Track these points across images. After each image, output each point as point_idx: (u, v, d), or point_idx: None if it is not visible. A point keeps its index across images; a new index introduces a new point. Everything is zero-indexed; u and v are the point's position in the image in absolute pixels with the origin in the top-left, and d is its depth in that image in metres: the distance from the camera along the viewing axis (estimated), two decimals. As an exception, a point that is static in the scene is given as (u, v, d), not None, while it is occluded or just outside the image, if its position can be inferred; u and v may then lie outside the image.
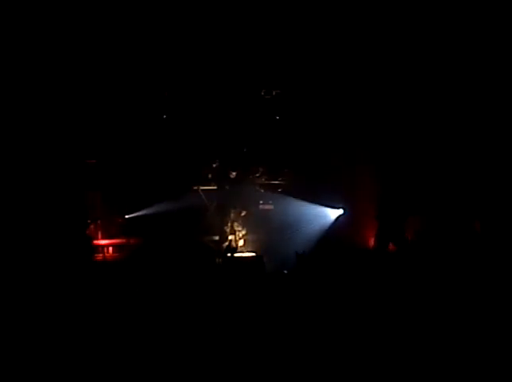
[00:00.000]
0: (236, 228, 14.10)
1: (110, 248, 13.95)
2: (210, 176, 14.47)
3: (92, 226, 13.67)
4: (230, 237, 14.01)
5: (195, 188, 14.43)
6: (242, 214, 14.21)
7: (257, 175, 14.64)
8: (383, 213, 13.23)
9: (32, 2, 11.02)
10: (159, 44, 12.09)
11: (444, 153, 12.67)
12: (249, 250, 13.64)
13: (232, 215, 14.16)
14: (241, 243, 13.98)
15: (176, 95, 12.97)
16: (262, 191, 14.53)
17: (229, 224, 14.12)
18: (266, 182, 14.64)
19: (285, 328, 7.95)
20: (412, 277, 9.33)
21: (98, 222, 13.77)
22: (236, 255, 13.09)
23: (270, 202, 14.45)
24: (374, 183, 13.77)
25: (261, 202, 14.47)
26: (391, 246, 12.60)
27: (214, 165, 14.41)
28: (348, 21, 11.47)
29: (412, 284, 8.84)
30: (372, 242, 13.48)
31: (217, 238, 14.04)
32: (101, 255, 13.50)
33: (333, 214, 14.46)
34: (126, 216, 14.16)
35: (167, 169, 13.82)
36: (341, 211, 14.49)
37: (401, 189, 13.35)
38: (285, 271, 9.11)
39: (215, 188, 14.45)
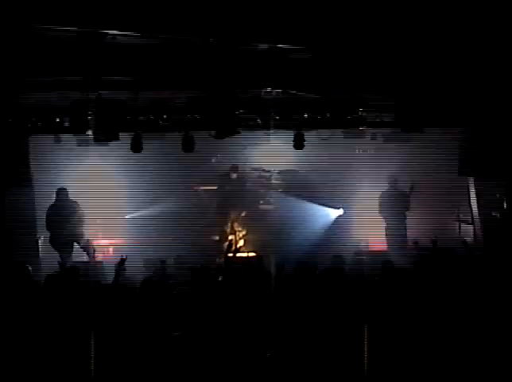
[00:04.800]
0: (236, 228, 14.09)
1: (110, 248, 13.95)
2: (210, 175, 14.44)
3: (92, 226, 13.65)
4: (230, 237, 13.99)
5: (195, 188, 14.42)
6: (242, 214, 14.20)
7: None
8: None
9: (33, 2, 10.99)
10: (159, 45, 12.05)
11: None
12: (249, 250, 13.62)
13: (232, 215, 14.14)
14: (241, 243, 13.97)
15: (177, 95, 12.91)
16: (262, 191, 14.53)
17: (229, 224, 14.10)
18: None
19: (284, 328, 7.94)
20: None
21: (99, 222, 13.76)
22: (236, 255, 13.06)
23: (270, 202, 14.44)
24: None
25: (261, 202, 14.47)
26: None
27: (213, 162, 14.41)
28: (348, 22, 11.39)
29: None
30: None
31: (217, 238, 14.03)
32: (101, 255, 13.48)
33: (333, 214, 14.47)
34: (126, 216, 14.16)
35: (167, 169, 13.82)
36: (341, 211, 14.50)
37: None
38: (283, 275, 9.03)
39: (215, 188, 14.43)
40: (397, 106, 11.68)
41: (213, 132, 11.53)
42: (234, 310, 8.04)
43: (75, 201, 12.68)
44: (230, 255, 11.59)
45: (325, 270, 8.94)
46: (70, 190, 12.75)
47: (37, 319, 7.91)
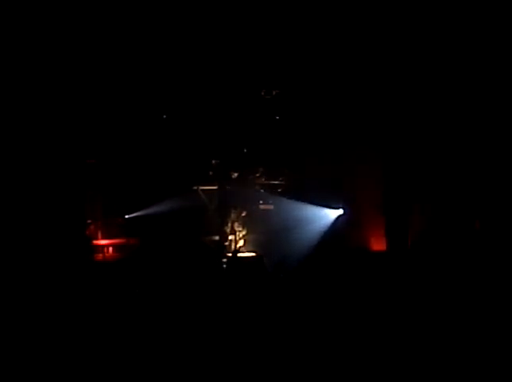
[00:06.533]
0: (236, 228, 14.09)
1: (110, 248, 13.95)
2: (211, 173, 14.43)
3: (92, 226, 13.66)
4: (230, 237, 14.00)
5: (195, 188, 14.43)
6: (243, 214, 14.20)
7: (258, 175, 14.63)
8: (389, 210, 13.41)
9: (33, 3, 11.02)
10: (159, 44, 12.08)
11: (445, 151, 12.70)
12: (249, 250, 13.62)
13: (232, 215, 14.14)
14: (241, 243, 13.97)
15: (177, 95, 12.95)
16: (262, 191, 14.53)
17: (229, 224, 14.10)
18: (266, 182, 14.63)
19: (284, 328, 7.94)
20: (412, 278, 9.30)
21: (99, 222, 13.76)
22: (236, 255, 13.07)
23: (270, 202, 14.44)
24: (376, 182, 13.80)
25: (261, 202, 14.46)
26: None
27: (214, 163, 14.39)
28: (348, 21, 11.46)
29: (412, 285, 8.82)
30: (378, 242, 13.59)
31: (217, 238, 14.03)
32: (101, 255, 13.49)
33: (333, 214, 14.46)
34: (126, 216, 14.16)
35: (167, 168, 13.82)
36: (341, 211, 14.50)
37: (403, 185, 13.40)
38: (282, 275, 9.05)
39: (215, 188, 14.43)
40: None
41: None
42: (234, 309, 8.05)
43: None
44: (230, 255, 11.63)
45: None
46: None
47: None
